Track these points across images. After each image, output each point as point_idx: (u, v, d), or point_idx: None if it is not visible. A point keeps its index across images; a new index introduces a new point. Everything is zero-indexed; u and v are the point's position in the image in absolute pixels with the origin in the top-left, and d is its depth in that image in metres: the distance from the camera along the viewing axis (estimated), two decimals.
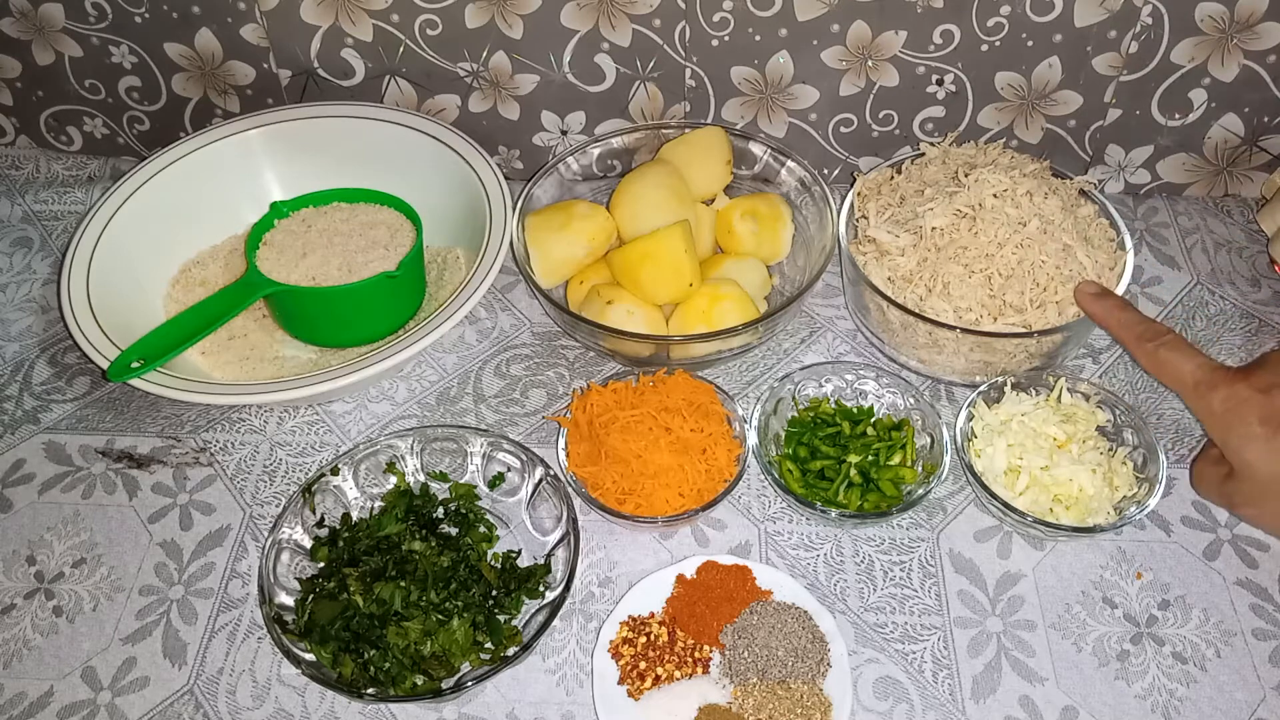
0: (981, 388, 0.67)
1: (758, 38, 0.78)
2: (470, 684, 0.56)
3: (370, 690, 0.56)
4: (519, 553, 0.63)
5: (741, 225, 0.77)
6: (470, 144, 0.80)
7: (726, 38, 0.79)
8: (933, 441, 0.66)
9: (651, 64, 0.81)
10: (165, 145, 0.82)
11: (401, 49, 0.82)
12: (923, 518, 0.66)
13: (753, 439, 0.65)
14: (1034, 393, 0.68)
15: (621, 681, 0.58)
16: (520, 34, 0.80)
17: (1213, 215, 0.86)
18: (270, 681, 0.60)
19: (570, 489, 0.63)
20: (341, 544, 0.62)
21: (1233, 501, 0.56)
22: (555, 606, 0.58)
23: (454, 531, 0.64)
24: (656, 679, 0.57)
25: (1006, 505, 0.61)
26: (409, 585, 0.59)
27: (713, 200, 0.80)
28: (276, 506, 0.68)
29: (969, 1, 0.75)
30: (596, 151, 0.82)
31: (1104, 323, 0.63)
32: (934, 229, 0.69)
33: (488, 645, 0.58)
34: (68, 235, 0.88)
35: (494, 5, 0.78)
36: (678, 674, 0.58)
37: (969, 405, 0.66)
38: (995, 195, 0.70)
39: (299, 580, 0.61)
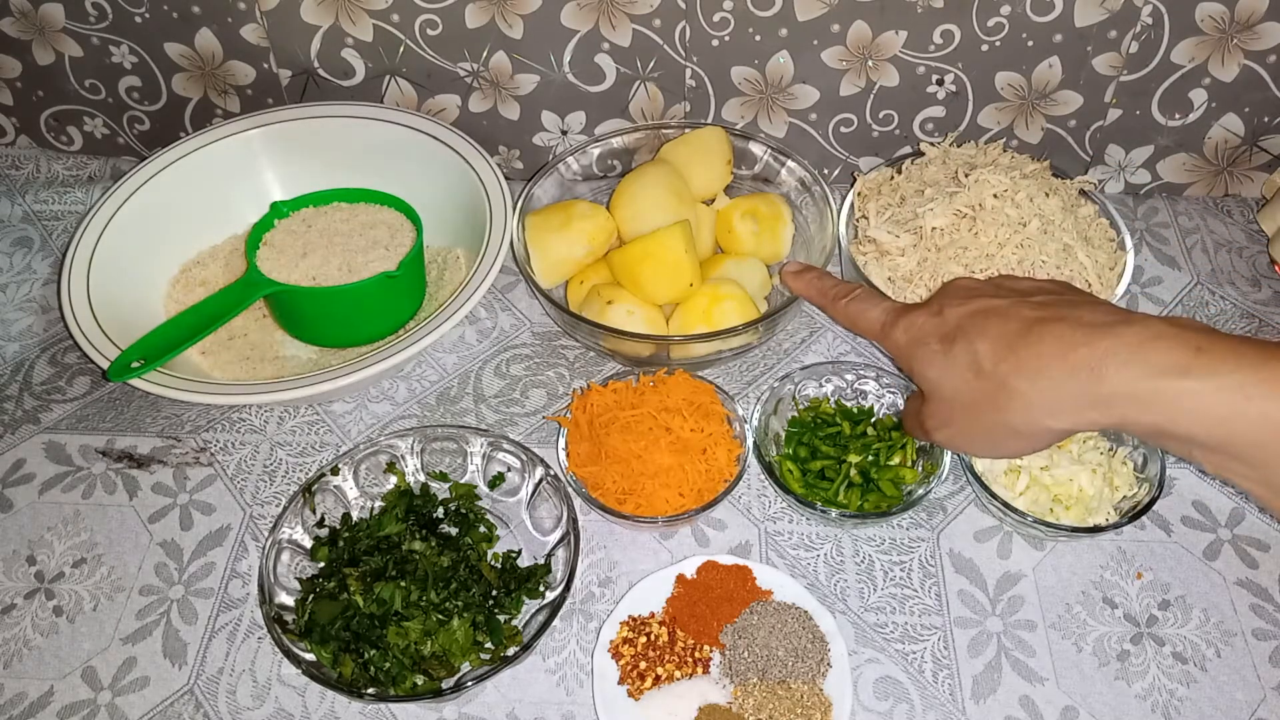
0: None
1: (758, 38, 0.78)
2: (470, 684, 0.56)
3: (370, 690, 0.56)
4: (519, 553, 0.64)
5: (742, 225, 0.77)
6: (470, 144, 0.80)
7: (727, 38, 0.79)
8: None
9: (652, 64, 0.81)
10: (165, 145, 0.82)
11: (402, 49, 0.82)
12: (923, 518, 0.66)
13: (753, 439, 0.65)
14: None
15: (622, 681, 0.58)
16: (520, 34, 0.80)
17: (1213, 215, 0.86)
18: (270, 681, 0.60)
19: (570, 489, 0.63)
20: (342, 544, 0.62)
21: (929, 428, 0.55)
22: (555, 606, 0.58)
23: (454, 531, 0.64)
24: (657, 679, 0.57)
25: (1006, 505, 0.61)
26: (409, 585, 0.59)
27: (713, 200, 0.80)
28: (276, 506, 0.68)
29: (969, 1, 0.75)
30: (596, 151, 0.82)
31: (805, 294, 0.65)
32: (934, 229, 0.70)
33: (488, 645, 0.58)
34: (68, 235, 0.88)
35: (494, 5, 0.78)
36: (678, 674, 0.58)
37: None
38: (995, 195, 0.70)
39: (299, 580, 0.61)
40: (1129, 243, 0.71)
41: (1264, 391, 0.41)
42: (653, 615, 0.61)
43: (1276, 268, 0.81)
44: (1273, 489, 0.43)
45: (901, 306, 0.56)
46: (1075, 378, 0.45)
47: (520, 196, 0.76)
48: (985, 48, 0.77)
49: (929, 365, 0.52)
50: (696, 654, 0.59)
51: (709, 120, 0.85)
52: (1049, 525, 0.61)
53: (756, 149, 0.81)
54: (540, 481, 0.65)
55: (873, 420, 0.68)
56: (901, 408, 0.67)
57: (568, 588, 0.59)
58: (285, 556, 0.62)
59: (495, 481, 0.67)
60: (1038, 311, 0.49)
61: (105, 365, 0.66)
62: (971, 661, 0.60)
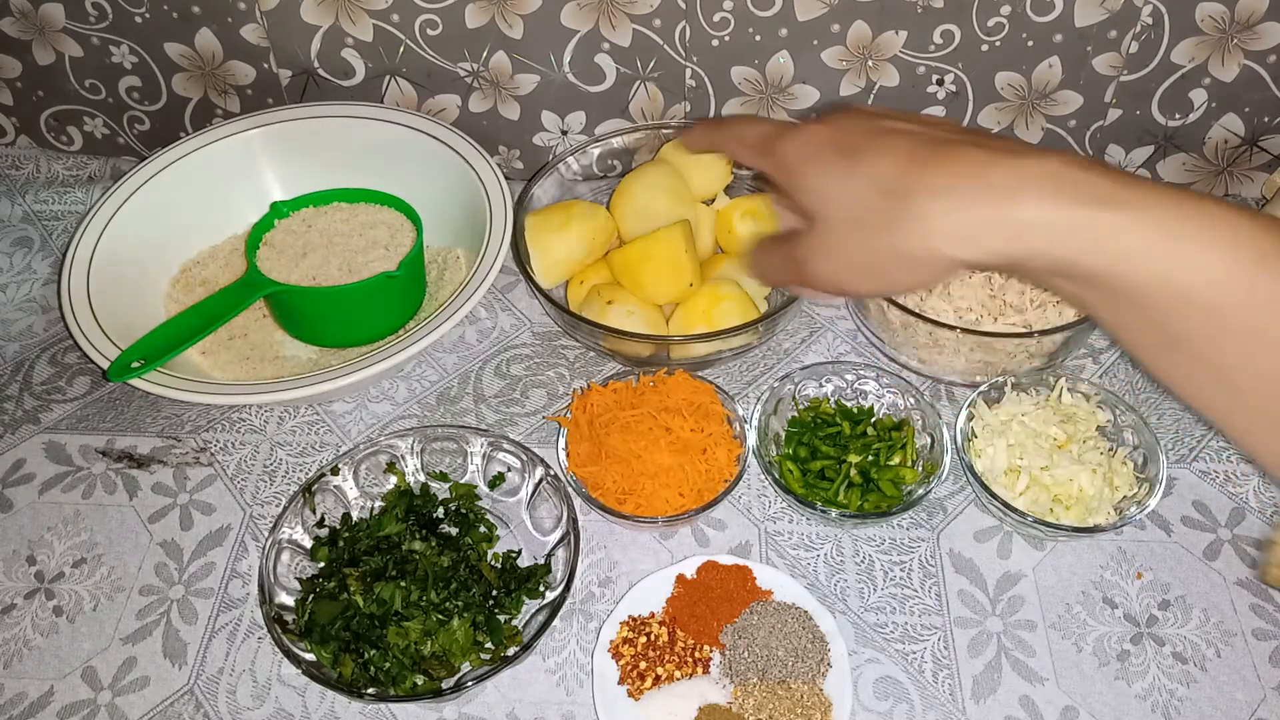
0: (982, 388, 0.67)
1: (758, 38, 0.78)
2: (470, 684, 0.56)
3: (370, 690, 0.56)
4: (519, 553, 0.64)
5: (742, 225, 0.76)
6: (470, 144, 0.80)
7: (727, 38, 0.79)
8: (933, 441, 0.66)
9: (652, 64, 0.81)
10: (165, 145, 0.82)
11: (402, 49, 0.82)
12: (923, 518, 0.66)
13: (753, 439, 0.65)
14: (1034, 393, 0.68)
15: (622, 681, 0.58)
16: (520, 34, 0.80)
17: None
18: (270, 681, 0.60)
19: (570, 489, 0.63)
20: (342, 544, 0.62)
21: (806, 259, 0.48)
22: (555, 606, 0.58)
23: (454, 531, 0.64)
24: (657, 679, 0.57)
25: (1006, 505, 0.61)
26: (409, 585, 0.59)
27: (713, 200, 0.80)
28: (276, 506, 0.68)
29: (969, 2, 0.75)
30: (596, 151, 0.82)
31: (695, 144, 0.58)
32: None
33: (488, 645, 0.58)
34: (68, 235, 0.88)
35: (494, 5, 0.78)
36: (678, 674, 0.58)
37: (969, 405, 0.66)
38: None
39: (299, 580, 0.61)
40: None
41: (1192, 231, 0.38)
42: (653, 615, 0.61)
43: None
44: (1165, 341, 0.40)
45: (787, 123, 0.51)
46: (988, 199, 0.41)
47: (520, 196, 0.76)
48: (985, 48, 0.77)
49: (825, 180, 0.46)
50: (696, 654, 0.59)
51: None
52: (1049, 525, 0.61)
53: None
54: (540, 481, 0.65)
55: (873, 420, 0.68)
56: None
57: (568, 588, 0.59)
58: (285, 556, 0.62)
59: (495, 481, 0.67)
60: (949, 134, 0.45)
61: (105, 365, 0.66)
62: (971, 661, 0.60)
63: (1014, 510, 0.61)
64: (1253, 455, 0.40)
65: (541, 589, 0.61)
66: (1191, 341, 0.38)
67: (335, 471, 0.65)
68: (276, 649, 0.58)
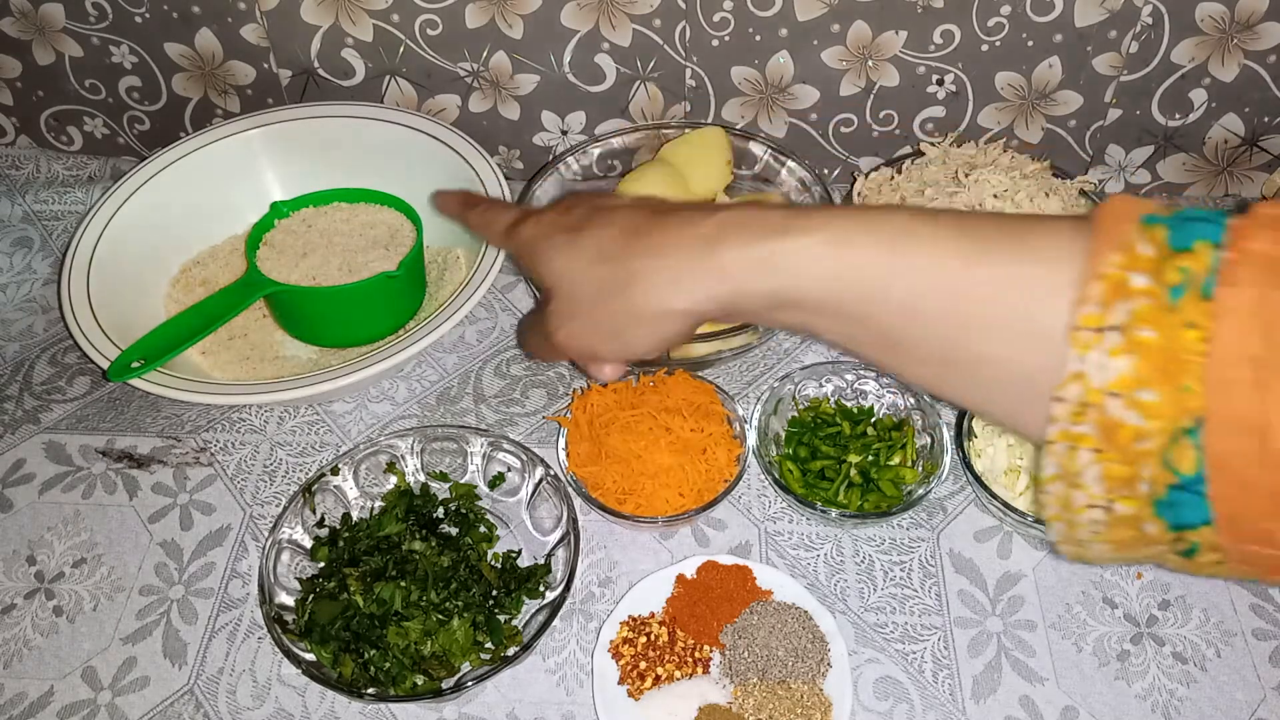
0: None
1: (758, 38, 0.78)
2: (470, 684, 0.56)
3: (370, 690, 0.56)
4: (519, 553, 0.64)
5: None
6: (470, 144, 0.80)
7: (727, 38, 0.79)
8: (933, 441, 0.66)
9: (652, 64, 0.81)
10: (165, 145, 0.82)
11: (402, 49, 0.82)
12: (923, 518, 0.66)
13: (753, 439, 0.65)
14: None
15: (622, 681, 0.58)
16: (520, 34, 0.80)
17: None
18: (270, 681, 0.60)
19: (570, 489, 0.63)
20: (342, 544, 0.62)
21: (551, 328, 0.53)
22: (555, 606, 0.58)
23: (454, 531, 0.64)
24: (657, 679, 0.57)
25: (1006, 505, 0.61)
26: (409, 585, 0.59)
27: (713, 200, 0.80)
28: (276, 506, 0.68)
29: (969, 1, 0.75)
30: (596, 151, 0.82)
31: (446, 210, 0.63)
32: None
33: (488, 645, 0.58)
34: (68, 235, 0.88)
35: (494, 5, 0.78)
36: (678, 674, 0.58)
37: None
38: (995, 195, 0.70)
39: (299, 580, 0.61)
40: None
41: (863, 238, 0.41)
42: (653, 615, 0.61)
43: None
44: (887, 343, 0.42)
45: (530, 209, 0.55)
46: (695, 251, 0.45)
47: (520, 196, 0.76)
48: (985, 48, 0.77)
49: (554, 256, 0.51)
50: (696, 654, 0.59)
51: (709, 120, 0.85)
52: None
53: (757, 149, 0.81)
54: (540, 481, 0.65)
55: (873, 420, 0.68)
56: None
57: (568, 588, 0.59)
58: (285, 556, 0.62)
59: (495, 481, 0.67)
60: (658, 204, 0.50)
61: (105, 365, 0.66)
62: (971, 661, 0.60)
63: (1014, 510, 0.61)
64: (1013, 429, 0.41)
65: (541, 589, 0.61)
66: (904, 338, 0.41)
67: (335, 471, 0.65)
68: (276, 649, 0.58)
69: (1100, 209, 0.37)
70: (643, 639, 0.59)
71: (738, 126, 0.85)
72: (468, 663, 0.58)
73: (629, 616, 0.60)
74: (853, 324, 0.42)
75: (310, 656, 0.57)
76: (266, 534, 0.63)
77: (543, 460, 0.65)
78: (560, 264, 0.51)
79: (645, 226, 0.48)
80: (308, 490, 0.63)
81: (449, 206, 0.62)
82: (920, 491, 0.63)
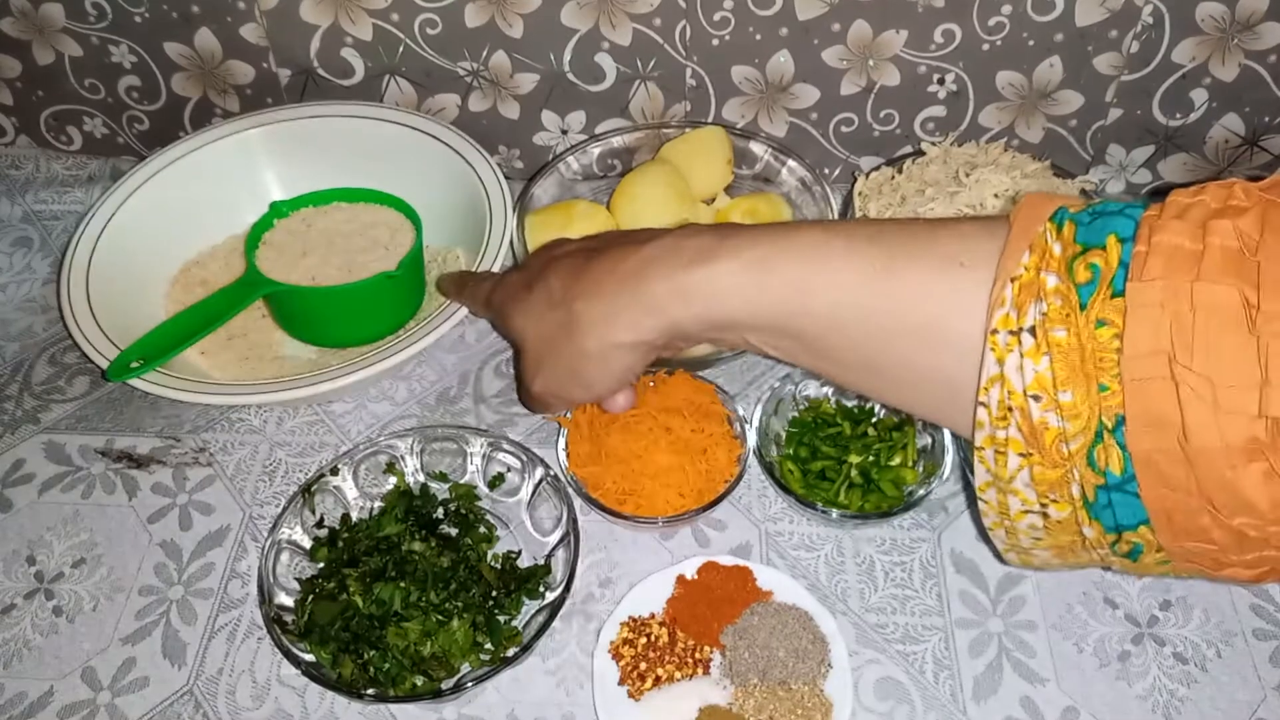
0: None
1: (758, 37, 0.78)
2: (470, 685, 0.56)
3: (370, 691, 0.56)
4: (519, 553, 0.63)
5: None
6: (470, 144, 0.80)
7: (727, 37, 0.79)
8: (933, 442, 0.66)
9: (652, 63, 0.81)
10: (165, 145, 0.82)
11: (401, 48, 0.82)
12: (924, 518, 0.66)
13: (753, 439, 0.65)
14: None
15: (622, 682, 0.58)
16: (520, 33, 0.80)
17: None
18: (270, 682, 0.60)
19: (570, 489, 0.63)
20: (341, 544, 0.62)
21: (526, 380, 0.55)
22: (555, 607, 0.58)
23: (454, 532, 0.64)
24: (657, 680, 0.57)
25: None
26: (409, 586, 0.59)
27: (713, 200, 0.80)
28: (276, 506, 0.68)
29: (970, 1, 0.75)
30: (596, 151, 0.82)
31: (449, 295, 0.68)
32: None
33: (487, 646, 0.58)
34: (68, 235, 0.88)
35: (494, 5, 0.78)
36: (678, 675, 0.58)
37: None
38: (996, 195, 0.70)
39: (299, 580, 0.61)
40: None
41: (780, 257, 0.41)
42: (653, 616, 0.61)
43: None
44: (816, 354, 0.43)
45: (502, 274, 0.58)
46: (626, 287, 0.46)
47: (520, 196, 0.76)
48: (986, 47, 0.77)
49: (514, 313, 0.53)
50: (697, 655, 0.59)
51: (709, 120, 0.85)
52: None
53: (757, 148, 0.81)
54: (540, 482, 0.65)
55: (873, 420, 0.68)
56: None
57: (568, 588, 0.59)
58: (285, 557, 0.62)
59: (495, 482, 0.67)
60: (598, 243, 0.51)
61: (105, 365, 0.66)
62: (972, 662, 0.60)
63: None
64: (953, 432, 0.43)
65: (541, 589, 0.61)
66: (829, 348, 0.42)
67: (335, 472, 0.65)
68: (276, 649, 0.58)
69: (1016, 208, 0.36)
70: (643, 640, 0.59)
71: (738, 126, 0.85)
72: (467, 663, 0.58)
73: (629, 617, 0.60)
74: (785, 338, 0.43)
75: (310, 657, 0.57)
76: (266, 534, 0.63)
77: (543, 460, 0.65)
78: (519, 320, 0.53)
79: (583, 268, 0.49)
80: (307, 491, 0.63)
81: (449, 290, 0.67)
82: (921, 492, 0.63)
